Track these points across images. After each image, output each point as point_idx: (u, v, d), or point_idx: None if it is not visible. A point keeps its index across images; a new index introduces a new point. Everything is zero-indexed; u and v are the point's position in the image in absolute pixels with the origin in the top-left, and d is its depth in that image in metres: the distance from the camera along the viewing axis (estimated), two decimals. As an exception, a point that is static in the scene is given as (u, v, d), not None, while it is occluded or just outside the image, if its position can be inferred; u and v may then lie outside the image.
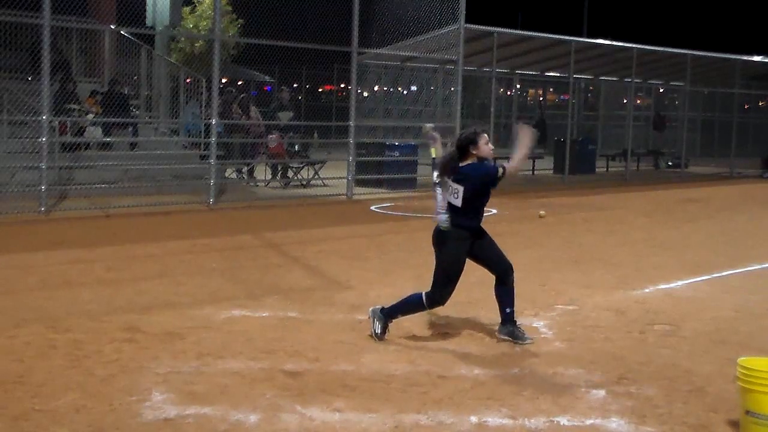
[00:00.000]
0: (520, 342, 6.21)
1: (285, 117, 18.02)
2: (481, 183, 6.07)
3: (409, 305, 6.27)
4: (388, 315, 6.25)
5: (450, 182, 6.12)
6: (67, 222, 11.79)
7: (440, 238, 6.15)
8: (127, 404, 4.79)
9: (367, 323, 6.47)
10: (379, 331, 6.22)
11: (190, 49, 23.47)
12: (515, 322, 6.33)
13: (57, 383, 5.10)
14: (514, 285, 6.34)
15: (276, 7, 15.13)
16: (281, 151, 17.56)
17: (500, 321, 6.34)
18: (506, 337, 6.26)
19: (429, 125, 7.12)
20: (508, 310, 6.30)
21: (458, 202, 6.06)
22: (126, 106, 15.71)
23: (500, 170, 6.02)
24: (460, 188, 6.04)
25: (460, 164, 6.10)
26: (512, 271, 6.31)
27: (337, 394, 5.05)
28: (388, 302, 6.47)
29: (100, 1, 17.12)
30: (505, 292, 6.32)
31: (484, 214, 6.27)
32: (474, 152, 6.11)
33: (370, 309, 6.35)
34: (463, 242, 6.11)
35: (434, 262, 6.21)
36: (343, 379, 5.32)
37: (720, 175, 25.63)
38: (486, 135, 6.17)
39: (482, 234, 6.25)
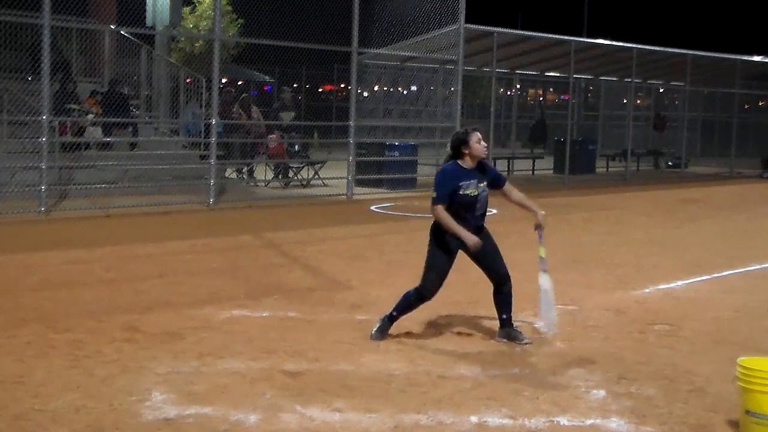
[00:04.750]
0: (518, 342, 6.22)
1: (287, 117, 18.03)
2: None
3: (403, 301, 6.28)
4: (389, 318, 6.28)
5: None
6: (67, 222, 11.79)
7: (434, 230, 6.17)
8: (127, 404, 4.79)
9: (367, 323, 6.50)
10: (373, 331, 6.26)
11: (190, 49, 23.48)
12: (512, 324, 6.33)
13: (57, 383, 5.10)
14: (512, 290, 6.31)
15: (276, 7, 15.12)
16: (281, 152, 17.56)
17: (499, 325, 6.36)
18: (504, 339, 6.28)
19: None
20: (504, 316, 6.32)
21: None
22: (126, 106, 15.70)
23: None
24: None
25: (464, 167, 6.05)
26: (508, 280, 6.27)
27: (337, 394, 5.05)
28: (389, 303, 6.48)
29: (100, 1, 17.13)
30: (500, 300, 6.32)
31: (486, 214, 6.27)
32: (466, 152, 6.07)
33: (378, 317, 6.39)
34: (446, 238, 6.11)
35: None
36: (343, 379, 5.32)
37: (720, 175, 25.63)
38: (478, 133, 6.10)
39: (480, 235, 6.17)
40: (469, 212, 6.05)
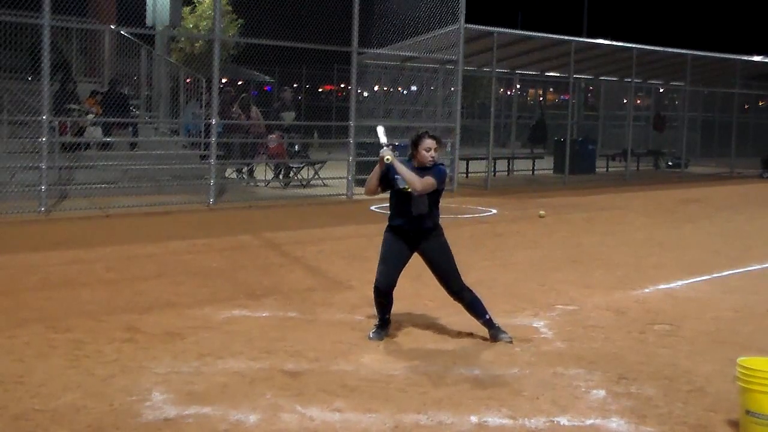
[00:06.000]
0: (499, 340, 6.22)
1: (288, 117, 18.02)
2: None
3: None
4: (379, 321, 6.31)
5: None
6: (67, 222, 11.79)
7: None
8: (127, 404, 4.79)
9: (367, 323, 6.51)
10: (371, 333, 6.28)
11: (190, 49, 23.51)
12: (494, 325, 6.31)
13: (57, 383, 5.10)
14: (475, 297, 6.28)
15: (276, 7, 15.12)
16: (281, 152, 17.56)
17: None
18: (494, 340, 6.26)
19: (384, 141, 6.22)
20: (480, 321, 6.32)
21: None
22: (126, 106, 15.71)
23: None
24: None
25: (413, 164, 6.03)
26: (462, 291, 6.24)
27: (337, 394, 5.05)
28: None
29: (100, 1, 17.12)
30: (468, 311, 6.34)
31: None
32: (415, 153, 6.06)
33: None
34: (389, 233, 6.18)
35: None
36: (343, 379, 5.32)
37: (720, 175, 25.63)
38: (430, 141, 6.00)
39: (425, 239, 6.14)
40: (406, 209, 6.07)
